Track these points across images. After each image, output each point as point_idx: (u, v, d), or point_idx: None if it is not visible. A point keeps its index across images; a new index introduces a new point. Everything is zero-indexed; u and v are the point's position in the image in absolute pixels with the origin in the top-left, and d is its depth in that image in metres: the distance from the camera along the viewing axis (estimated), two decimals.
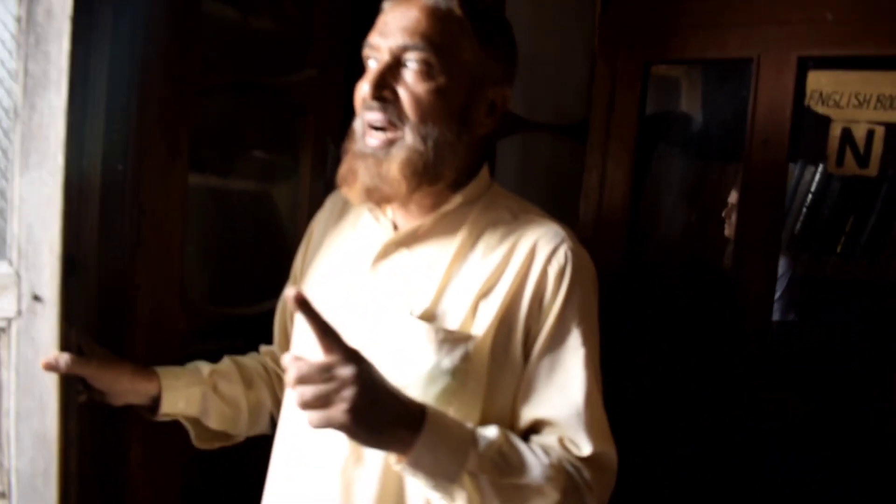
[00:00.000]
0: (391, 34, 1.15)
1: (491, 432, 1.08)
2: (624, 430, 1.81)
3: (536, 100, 2.25)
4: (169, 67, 1.48)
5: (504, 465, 1.05)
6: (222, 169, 1.67)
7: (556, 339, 1.15)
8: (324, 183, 1.71)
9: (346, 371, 0.95)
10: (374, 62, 1.18)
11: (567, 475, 1.08)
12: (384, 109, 1.15)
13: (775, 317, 1.75)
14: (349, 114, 1.74)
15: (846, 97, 1.63)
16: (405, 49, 1.14)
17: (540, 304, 1.16)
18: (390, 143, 1.15)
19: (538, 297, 1.16)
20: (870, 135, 1.60)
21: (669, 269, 1.88)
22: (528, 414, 1.15)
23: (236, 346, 1.63)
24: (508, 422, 1.17)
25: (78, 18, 1.19)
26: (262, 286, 1.78)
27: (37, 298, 1.20)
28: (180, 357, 1.53)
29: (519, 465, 1.06)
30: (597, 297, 1.22)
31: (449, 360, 1.13)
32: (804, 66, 1.63)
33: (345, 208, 1.38)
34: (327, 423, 0.95)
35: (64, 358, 1.17)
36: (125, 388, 1.27)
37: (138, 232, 1.47)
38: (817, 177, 1.74)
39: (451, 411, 1.11)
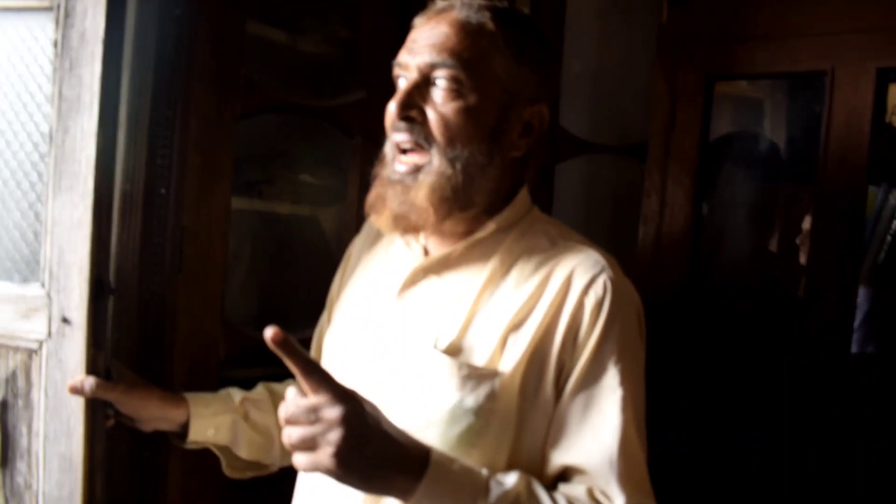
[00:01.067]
0: (419, 51, 1.10)
1: (510, 480, 0.99)
2: (681, 472, 1.71)
3: (601, 119, 2.16)
4: (211, 89, 1.49)
5: None
6: (268, 192, 1.66)
7: (591, 378, 1.05)
8: None
9: (332, 412, 0.88)
10: (404, 81, 1.13)
11: None
12: (411, 130, 1.09)
13: (853, 349, 1.59)
14: None
15: None
16: (433, 66, 1.09)
17: (575, 339, 1.06)
18: (417, 169, 1.10)
19: (573, 331, 1.06)
20: None
21: (737, 297, 1.75)
22: (558, 459, 1.06)
23: (278, 372, 1.60)
24: (539, 466, 1.08)
25: (112, 41, 1.20)
26: (307, 311, 1.76)
27: (66, 321, 1.20)
28: (219, 382, 1.52)
29: None
30: (641, 333, 1.12)
31: (473, 398, 1.05)
32: (885, 77, 1.48)
33: (380, 233, 1.33)
34: (314, 467, 0.89)
35: (89, 382, 1.16)
36: (153, 414, 1.25)
37: (180, 255, 1.48)
38: None
39: (476, 453, 1.04)
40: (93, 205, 1.19)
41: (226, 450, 1.32)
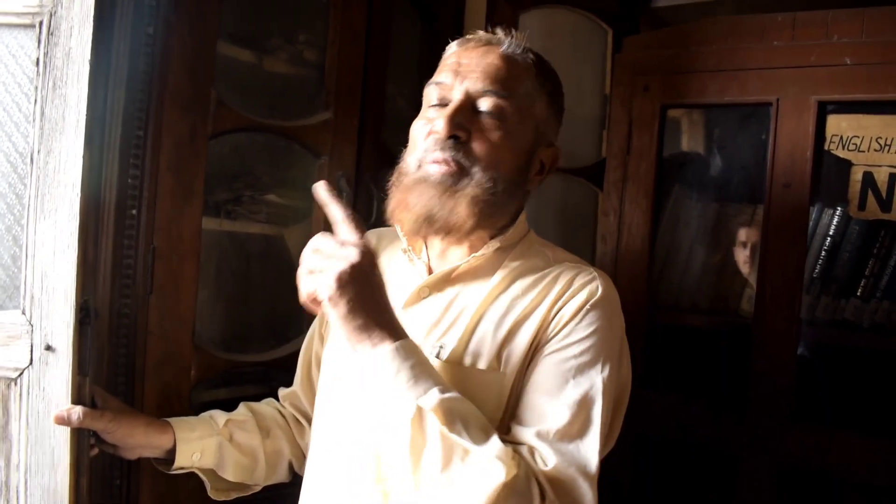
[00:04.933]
0: (469, 76, 1.14)
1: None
2: (639, 481, 1.79)
3: None
4: (184, 110, 1.46)
5: (460, 419, 0.98)
6: (235, 212, 1.64)
7: (562, 356, 1.09)
8: None
9: (350, 252, 0.97)
10: (437, 100, 1.16)
11: (523, 468, 0.99)
12: (456, 149, 1.12)
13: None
14: (363, 156, 1.74)
15: (867, 141, 1.62)
16: (484, 93, 1.13)
17: (556, 327, 1.11)
18: (460, 175, 1.12)
19: (557, 323, 1.12)
20: (892, 179, 1.59)
21: (692, 313, 1.85)
22: (516, 432, 1.07)
23: (247, 393, 1.60)
24: None
25: (97, 62, 1.17)
26: (274, 332, 1.75)
27: (49, 349, 1.15)
28: (190, 405, 1.50)
29: (475, 431, 0.99)
30: (623, 344, 1.19)
31: (479, 401, 1.07)
32: (824, 109, 1.62)
33: (378, 248, 1.35)
34: (314, 286, 0.98)
35: (77, 411, 1.12)
36: (139, 441, 1.23)
37: (151, 277, 1.44)
38: (835, 220, 1.72)
39: None
40: (79, 228, 1.15)
41: (211, 472, 1.31)
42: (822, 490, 1.63)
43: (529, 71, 1.17)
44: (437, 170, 1.12)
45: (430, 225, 1.13)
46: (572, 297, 1.13)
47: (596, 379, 1.08)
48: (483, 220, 1.13)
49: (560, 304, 1.13)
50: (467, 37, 1.21)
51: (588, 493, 1.03)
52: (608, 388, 1.10)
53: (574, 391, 1.07)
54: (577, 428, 1.05)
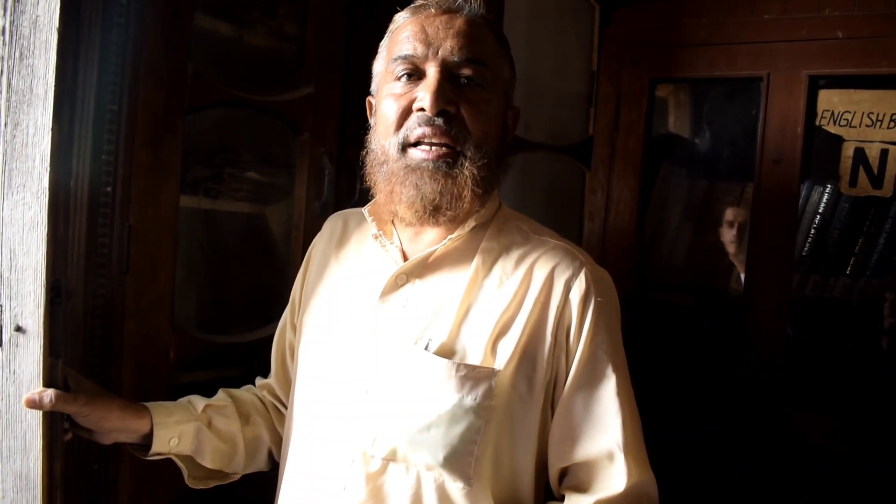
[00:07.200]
0: (442, 44, 1.08)
1: None
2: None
3: (534, 119, 2.20)
4: (159, 83, 1.42)
5: None
6: (214, 190, 1.59)
7: (589, 372, 1.09)
8: (320, 204, 1.64)
9: None
10: (406, 72, 1.09)
11: None
12: (448, 125, 1.06)
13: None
14: (345, 132, 1.70)
15: (858, 116, 1.60)
16: (462, 62, 1.08)
17: (567, 336, 1.09)
18: (454, 157, 1.07)
19: (563, 328, 1.09)
20: (883, 154, 1.58)
21: (680, 291, 1.84)
22: (568, 453, 1.09)
23: (228, 375, 1.56)
24: (532, 456, 1.11)
25: (65, 31, 1.12)
26: (256, 312, 1.71)
27: (20, 329, 1.11)
28: (169, 387, 1.46)
29: None
30: (619, 316, 1.17)
31: (472, 398, 1.05)
32: (815, 83, 1.59)
33: (345, 232, 1.30)
34: None
35: (49, 394, 1.08)
36: (114, 426, 1.18)
37: (127, 256, 1.40)
38: (825, 197, 1.70)
39: (478, 451, 1.05)
40: (48, 204, 1.11)
41: (189, 459, 1.27)
42: (811, 470, 1.62)
43: (492, 33, 1.13)
44: (427, 156, 1.07)
45: (436, 215, 1.09)
46: (567, 298, 1.09)
47: (620, 369, 1.10)
48: (480, 199, 1.09)
49: (556, 308, 1.09)
50: (419, 4, 1.15)
51: (652, 482, 1.10)
52: (625, 365, 1.12)
53: (611, 394, 1.08)
54: (627, 430, 1.08)
